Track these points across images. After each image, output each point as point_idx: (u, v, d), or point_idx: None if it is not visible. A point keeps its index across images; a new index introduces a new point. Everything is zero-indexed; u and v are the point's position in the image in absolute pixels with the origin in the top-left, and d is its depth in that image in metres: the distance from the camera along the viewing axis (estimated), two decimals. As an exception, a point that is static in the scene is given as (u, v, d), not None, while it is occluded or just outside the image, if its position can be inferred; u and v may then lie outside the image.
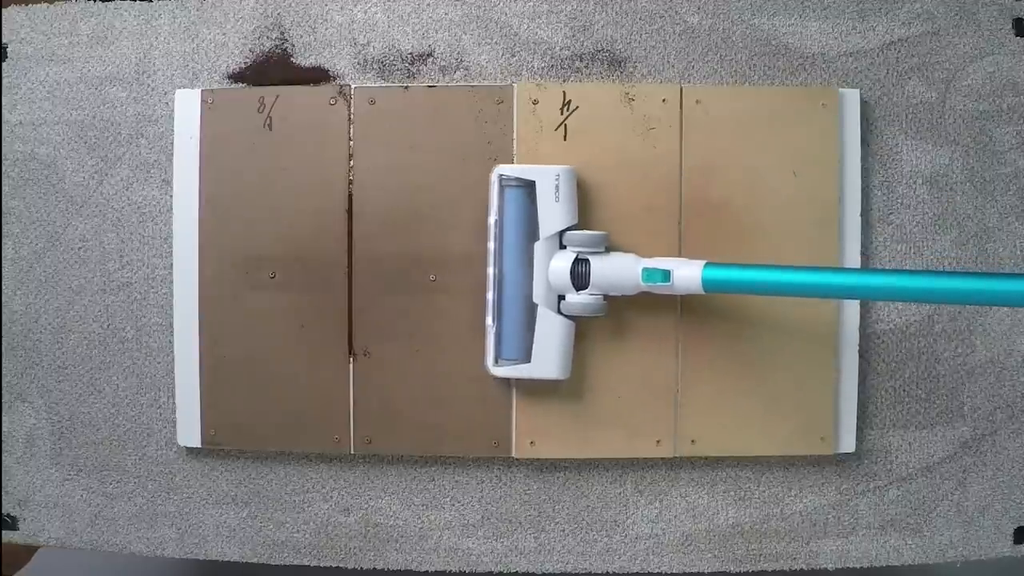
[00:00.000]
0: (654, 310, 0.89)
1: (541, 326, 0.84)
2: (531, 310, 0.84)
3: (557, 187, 0.83)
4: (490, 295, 0.85)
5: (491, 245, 0.85)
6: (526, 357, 0.85)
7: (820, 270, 0.75)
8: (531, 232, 0.84)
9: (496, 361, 0.86)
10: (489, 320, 0.85)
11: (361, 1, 0.92)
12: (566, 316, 0.84)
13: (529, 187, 0.84)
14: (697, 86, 0.91)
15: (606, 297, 0.82)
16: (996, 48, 0.92)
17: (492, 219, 0.85)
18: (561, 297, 0.83)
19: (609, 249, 0.84)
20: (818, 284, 0.73)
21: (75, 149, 0.94)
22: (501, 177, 0.85)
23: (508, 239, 0.85)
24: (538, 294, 0.83)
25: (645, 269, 0.79)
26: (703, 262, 0.77)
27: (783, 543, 0.93)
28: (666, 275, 0.78)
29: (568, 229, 0.84)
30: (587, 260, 0.81)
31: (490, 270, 0.85)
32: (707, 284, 0.76)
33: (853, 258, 0.90)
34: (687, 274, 0.77)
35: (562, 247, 0.84)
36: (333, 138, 0.90)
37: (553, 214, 0.83)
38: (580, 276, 0.81)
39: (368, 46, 0.92)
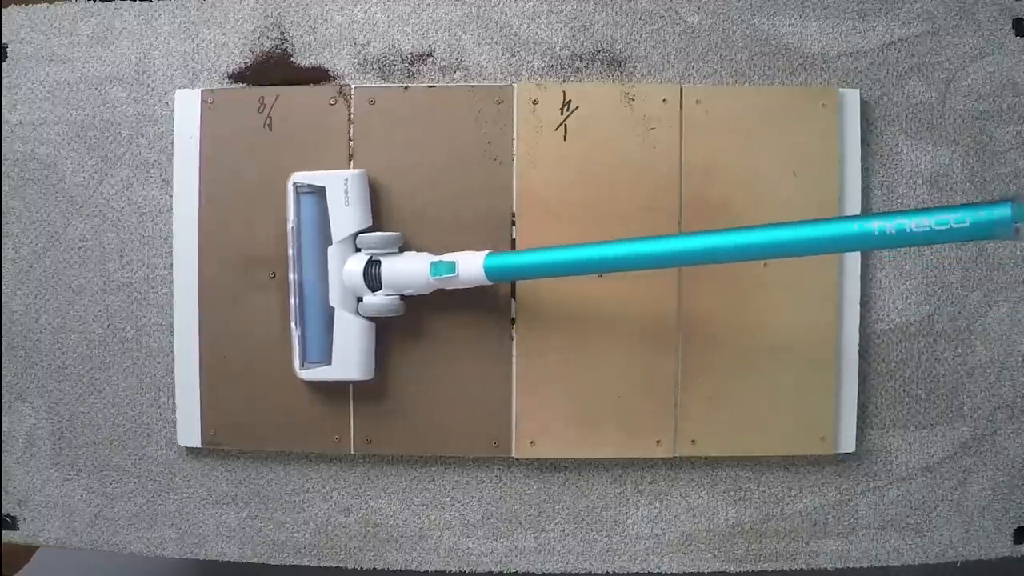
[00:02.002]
0: (653, 309, 0.89)
1: (339, 328, 0.85)
2: (332, 313, 0.85)
3: (347, 191, 0.84)
4: (292, 300, 0.86)
5: (290, 252, 0.86)
6: (329, 359, 0.86)
7: (591, 246, 0.75)
8: (327, 237, 0.85)
9: (303, 365, 0.87)
10: (293, 325, 0.87)
11: (361, 1, 0.92)
12: (364, 317, 0.85)
13: (322, 193, 0.85)
14: (697, 86, 0.91)
15: (403, 297, 0.84)
16: (996, 48, 0.92)
17: (290, 226, 0.86)
18: (360, 299, 0.85)
19: (403, 249, 0.85)
20: (590, 259, 0.75)
21: (75, 149, 0.94)
22: (296, 184, 0.86)
23: (306, 245, 0.86)
24: (334, 297, 0.85)
25: (432, 263, 0.80)
26: (486, 252, 0.79)
27: (783, 543, 0.93)
28: (451, 267, 0.79)
29: (363, 231, 0.85)
30: (379, 261, 0.83)
31: (291, 276, 0.86)
32: (489, 272, 0.78)
33: (852, 256, 0.90)
34: (471, 264, 0.78)
35: (358, 250, 0.85)
36: (333, 138, 0.90)
37: (344, 218, 0.84)
38: (373, 277, 0.82)
39: (368, 46, 0.92)
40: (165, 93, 0.93)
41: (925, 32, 0.92)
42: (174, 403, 0.93)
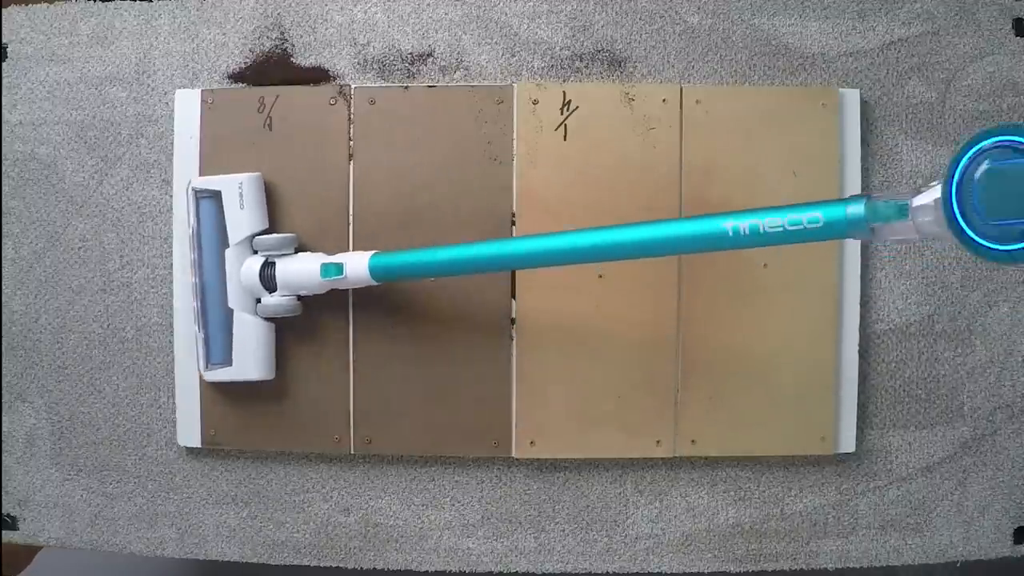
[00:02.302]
0: (653, 309, 0.89)
1: (239, 330, 0.86)
2: (231, 315, 0.86)
3: (241, 195, 0.85)
4: (195, 303, 0.87)
5: (192, 256, 0.87)
6: (230, 360, 0.87)
7: (472, 245, 0.76)
8: (226, 240, 0.86)
9: (207, 366, 0.88)
10: (196, 328, 0.87)
11: (361, 1, 0.92)
12: (263, 318, 0.86)
13: (219, 197, 0.86)
14: (697, 86, 0.91)
15: (300, 297, 0.84)
16: (996, 48, 0.92)
17: (190, 230, 0.87)
18: (258, 300, 0.85)
19: (299, 250, 0.86)
20: (470, 258, 0.76)
21: (75, 149, 0.94)
22: (194, 189, 0.87)
23: (206, 248, 0.87)
24: (233, 299, 0.85)
25: (323, 265, 0.81)
26: (372, 252, 0.79)
27: (783, 543, 0.93)
28: (339, 268, 0.80)
29: (259, 234, 0.86)
30: (274, 263, 0.84)
31: (193, 280, 0.87)
32: (374, 272, 0.79)
33: (852, 257, 0.90)
34: (357, 264, 0.79)
35: (254, 252, 0.86)
36: (333, 138, 0.90)
37: (240, 221, 0.85)
38: (268, 278, 0.83)
39: (368, 46, 0.92)
40: (165, 93, 0.93)
41: (925, 32, 0.92)
42: (174, 403, 0.93)
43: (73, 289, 0.94)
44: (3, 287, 0.95)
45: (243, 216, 0.86)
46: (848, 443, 0.91)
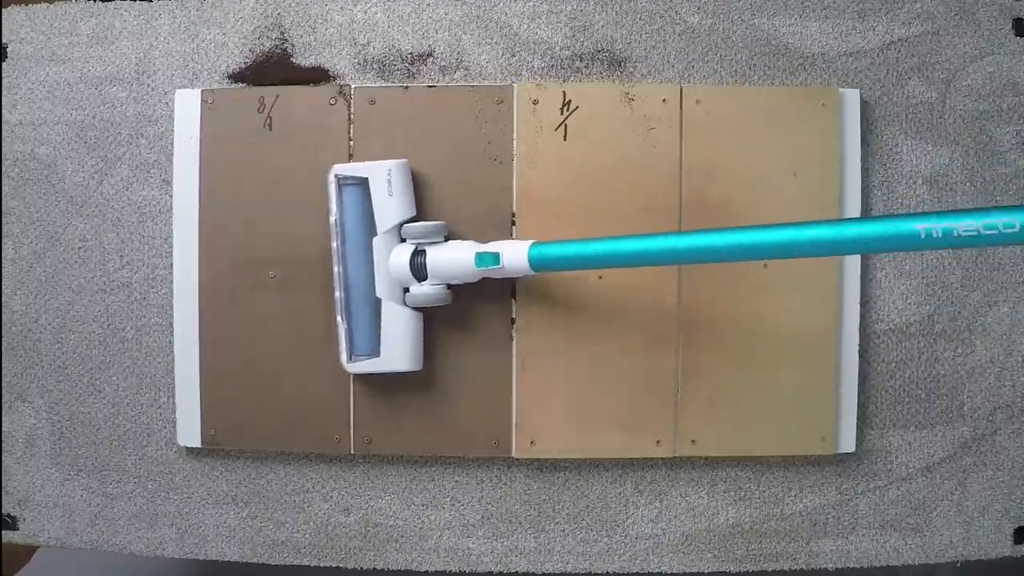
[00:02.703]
0: (653, 308, 0.89)
1: (387, 320, 0.84)
2: (378, 305, 0.85)
3: (389, 181, 0.84)
4: (338, 294, 0.86)
5: (334, 244, 0.86)
6: (377, 351, 0.85)
7: (639, 238, 0.75)
8: (371, 228, 0.85)
9: (350, 358, 0.87)
10: (339, 318, 0.86)
11: (361, 1, 0.92)
12: (411, 308, 0.84)
13: (365, 184, 0.85)
14: (697, 86, 0.91)
15: (449, 286, 0.83)
16: (996, 48, 0.92)
17: (333, 218, 0.85)
18: (406, 289, 0.84)
19: (448, 238, 0.85)
20: (637, 251, 0.74)
21: (75, 149, 0.94)
22: (337, 176, 0.86)
23: (350, 237, 0.86)
24: (381, 288, 0.84)
25: (477, 254, 0.80)
26: (530, 242, 0.78)
27: (783, 543, 0.93)
28: (496, 258, 0.79)
29: (407, 222, 0.84)
30: (424, 251, 0.82)
31: (336, 269, 0.86)
32: (533, 262, 0.78)
33: (853, 257, 0.90)
34: (515, 254, 0.78)
35: (403, 240, 0.84)
36: (333, 138, 0.90)
37: (388, 208, 0.84)
38: (419, 267, 0.82)
39: (368, 46, 0.92)
40: (165, 93, 0.93)
41: (925, 32, 0.92)
42: (174, 403, 0.93)
43: (73, 289, 0.94)
44: (3, 287, 0.95)
45: (392, 203, 0.84)
46: (848, 443, 0.91)
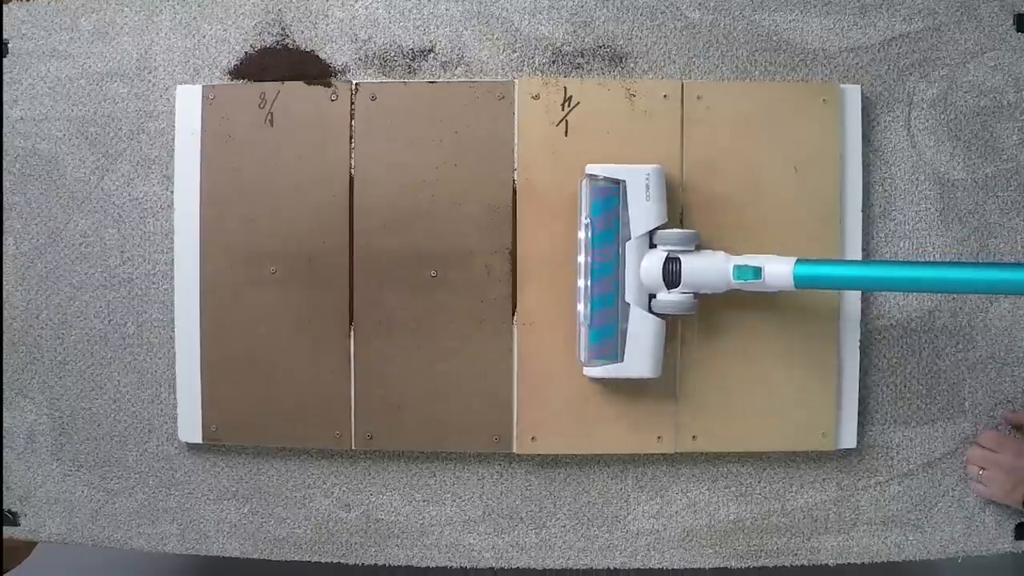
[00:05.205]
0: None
1: (634, 325, 0.83)
2: (620, 309, 0.84)
3: (647, 186, 0.83)
4: (581, 282, 0.85)
5: (580, 235, 0.85)
6: (617, 357, 0.84)
7: (910, 265, 0.74)
8: (619, 231, 0.83)
9: (589, 361, 0.86)
10: (580, 307, 0.85)
11: (362, -3, 0.92)
12: (657, 315, 0.83)
13: (617, 186, 0.83)
14: (698, 82, 0.91)
15: (696, 295, 0.82)
16: (997, 44, 0.92)
17: (584, 219, 0.84)
18: (652, 296, 0.83)
19: (699, 247, 0.84)
20: (908, 279, 0.72)
21: (76, 145, 0.94)
22: (591, 176, 0.85)
23: (597, 237, 0.84)
24: (630, 294, 0.83)
25: (736, 267, 0.78)
26: (794, 259, 0.77)
27: (784, 539, 0.93)
28: (757, 272, 0.77)
29: (658, 228, 0.83)
30: (678, 259, 0.81)
31: (580, 258, 0.85)
32: (798, 280, 0.76)
33: (854, 254, 0.90)
34: (778, 271, 0.76)
35: (652, 246, 0.83)
36: (334, 134, 0.90)
37: (644, 213, 0.83)
38: (672, 275, 0.81)
39: (369, 42, 0.92)
40: (166, 89, 0.93)
41: (926, 28, 0.92)
42: (175, 399, 0.93)
43: (74, 285, 0.94)
44: (4, 283, 0.95)
45: (648, 208, 0.83)
46: (849, 439, 0.91)
